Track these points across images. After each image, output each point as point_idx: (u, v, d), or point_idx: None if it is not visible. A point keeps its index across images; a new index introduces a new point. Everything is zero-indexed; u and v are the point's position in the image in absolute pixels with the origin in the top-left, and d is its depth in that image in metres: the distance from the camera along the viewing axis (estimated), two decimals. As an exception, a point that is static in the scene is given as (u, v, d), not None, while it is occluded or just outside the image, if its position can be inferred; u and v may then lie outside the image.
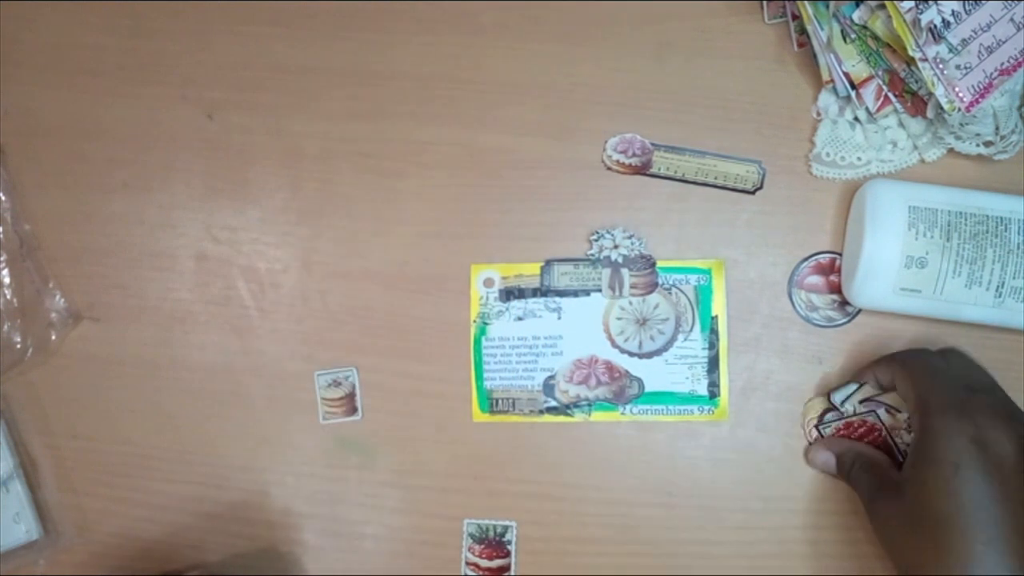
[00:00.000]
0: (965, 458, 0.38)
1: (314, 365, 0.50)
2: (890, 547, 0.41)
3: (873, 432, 0.47)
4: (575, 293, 0.49)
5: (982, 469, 0.37)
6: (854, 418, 0.47)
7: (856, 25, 0.46)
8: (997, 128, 0.45)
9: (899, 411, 0.46)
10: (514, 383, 0.49)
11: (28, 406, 0.51)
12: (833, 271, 0.48)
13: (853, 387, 0.47)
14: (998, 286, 0.44)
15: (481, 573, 0.49)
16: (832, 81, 0.47)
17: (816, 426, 0.48)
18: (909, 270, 0.44)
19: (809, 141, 0.49)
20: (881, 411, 0.46)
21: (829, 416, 0.47)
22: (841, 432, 0.47)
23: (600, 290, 0.49)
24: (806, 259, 0.48)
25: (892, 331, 0.48)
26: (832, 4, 0.46)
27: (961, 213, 0.44)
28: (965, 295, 0.44)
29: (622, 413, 0.49)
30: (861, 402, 0.47)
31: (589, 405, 0.49)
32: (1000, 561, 0.36)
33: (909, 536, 0.39)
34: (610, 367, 0.49)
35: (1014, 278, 0.44)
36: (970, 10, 0.43)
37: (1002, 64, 0.43)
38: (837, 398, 0.47)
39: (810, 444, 0.48)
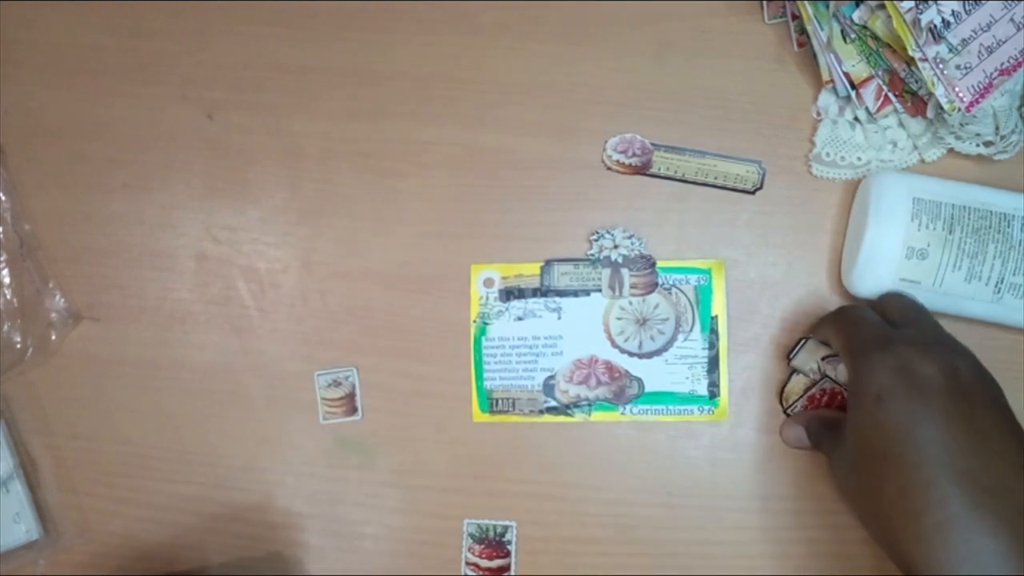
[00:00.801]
0: (887, 388, 0.37)
1: (314, 365, 0.50)
2: (844, 495, 0.41)
3: (836, 397, 0.48)
4: (575, 293, 0.49)
5: (905, 395, 0.36)
6: (814, 389, 0.48)
7: (856, 25, 0.46)
8: (997, 128, 0.45)
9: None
10: (514, 383, 0.49)
11: (28, 406, 0.51)
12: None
13: (800, 343, 0.48)
14: (998, 282, 0.44)
15: (481, 573, 0.49)
16: (832, 81, 0.47)
17: (785, 411, 0.48)
18: (910, 261, 0.44)
19: (809, 141, 0.49)
20: (835, 372, 0.47)
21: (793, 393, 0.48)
22: (807, 406, 0.48)
23: (600, 290, 0.49)
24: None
25: (892, 331, 0.48)
26: (832, 4, 0.46)
27: (965, 207, 0.44)
28: (964, 289, 0.44)
29: (622, 413, 0.49)
30: (823, 359, 0.47)
31: (589, 405, 0.49)
32: (937, 482, 0.34)
33: (853, 478, 0.39)
34: (610, 367, 0.49)
35: (1014, 274, 0.44)
36: (970, 10, 0.43)
37: (1002, 64, 0.43)
38: (796, 362, 0.48)
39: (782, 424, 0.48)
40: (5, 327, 0.50)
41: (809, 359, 0.47)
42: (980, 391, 0.37)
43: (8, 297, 0.51)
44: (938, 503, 0.34)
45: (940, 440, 0.35)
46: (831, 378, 0.47)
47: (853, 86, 0.47)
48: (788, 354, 0.48)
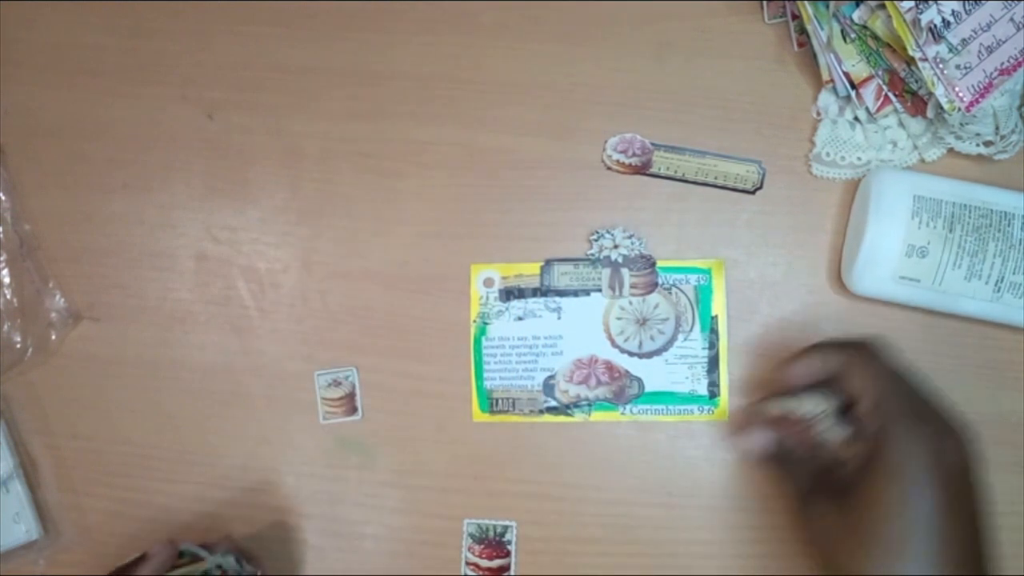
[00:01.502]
0: (923, 471, 0.36)
1: (314, 365, 0.50)
2: (821, 544, 0.39)
3: (807, 430, 0.42)
4: (575, 293, 0.49)
5: (935, 483, 0.36)
6: (799, 409, 0.43)
7: (856, 25, 0.46)
8: (997, 128, 0.45)
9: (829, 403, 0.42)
10: (514, 383, 0.49)
11: (28, 406, 0.51)
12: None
13: (818, 401, 0.42)
14: (997, 280, 0.44)
15: (481, 573, 0.49)
16: (832, 81, 0.47)
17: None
18: (910, 259, 0.44)
19: (809, 141, 0.49)
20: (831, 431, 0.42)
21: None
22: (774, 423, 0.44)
23: (600, 290, 0.49)
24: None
25: (891, 328, 0.48)
26: (832, 4, 0.46)
27: (965, 205, 0.44)
28: (964, 287, 0.44)
29: (622, 413, 0.49)
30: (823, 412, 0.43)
31: (589, 405, 0.49)
32: (923, 568, 0.36)
33: (846, 539, 0.37)
34: (610, 367, 0.49)
35: (1014, 273, 0.44)
36: (970, 10, 0.43)
37: (1002, 64, 0.43)
38: (799, 408, 0.43)
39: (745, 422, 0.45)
40: (5, 327, 0.50)
41: (814, 408, 0.42)
42: (974, 481, 0.39)
43: (8, 297, 0.51)
44: None
45: (948, 532, 0.36)
46: (824, 437, 0.41)
47: (853, 86, 0.47)
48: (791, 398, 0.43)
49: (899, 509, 0.36)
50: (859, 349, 0.41)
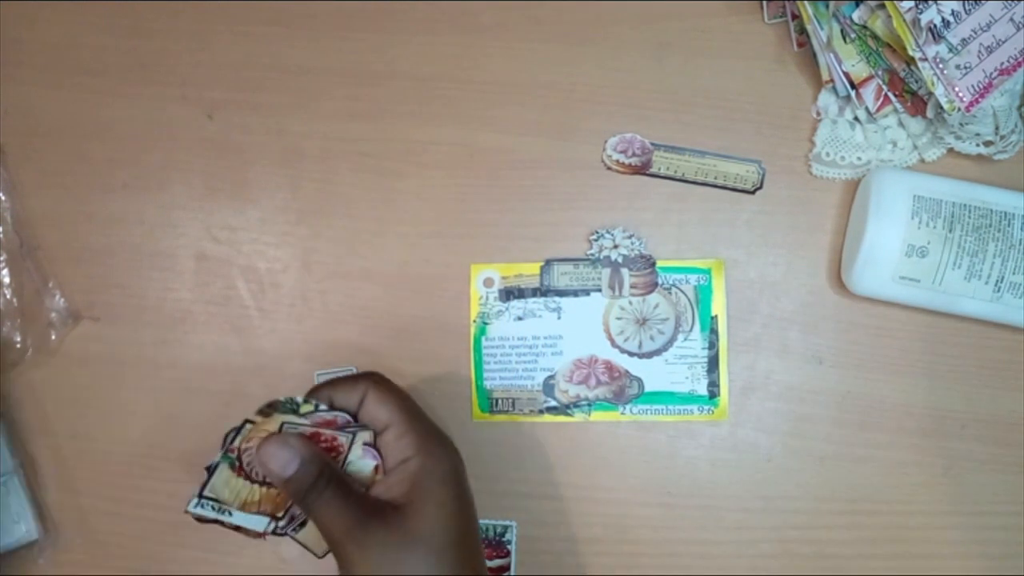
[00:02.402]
0: (452, 481, 0.40)
1: (314, 365, 0.50)
2: (375, 568, 0.37)
3: (334, 452, 0.40)
4: (575, 293, 0.49)
5: (458, 489, 0.40)
6: (329, 432, 0.40)
7: (856, 25, 0.46)
8: (997, 128, 0.45)
9: (355, 433, 0.41)
10: (514, 383, 0.49)
11: (28, 406, 0.51)
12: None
13: (305, 414, 0.41)
14: (997, 280, 0.44)
15: None
16: (832, 81, 0.47)
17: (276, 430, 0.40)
18: (909, 259, 0.44)
19: (809, 141, 0.49)
20: (350, 436, 0.41)
21: (289, 421, 0.41)
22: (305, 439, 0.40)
23: (600, 290, 0.49)
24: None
25: (891, 328, 0.48)
26: (832, 4, 0.46)
27: (965, 205, 0.44)
28: (964, 287, 0.44)
29: (622, 413, 0.49)
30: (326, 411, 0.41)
31: (589, 405, 0.49)
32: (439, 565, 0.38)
33: (404, 554, 0.37)
34: (610, 367, 0.49)
35: (1014, 273, 0.44)
36: (970, 10, 0.43)
37: (1002, 64, 0.43)
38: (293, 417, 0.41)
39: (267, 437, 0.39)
40: (5, 327, 0.50)
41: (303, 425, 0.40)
42: None
43: (8, 297, 0.51)
44: None
45: (463, 533, 0.41)
46: (344, 442, 0.40)
47: (853, 86, 0.47)
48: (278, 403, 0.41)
49: (447, 515, 0.39)
50: (368, 381, 0.42)
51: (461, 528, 0.39)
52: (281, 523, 0.39)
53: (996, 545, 0.48)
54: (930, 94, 0.45)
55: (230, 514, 0.39)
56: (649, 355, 0.49)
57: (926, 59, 0.43)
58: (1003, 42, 0.43)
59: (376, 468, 0.41)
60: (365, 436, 0.41)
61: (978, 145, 0.46)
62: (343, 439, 0.40)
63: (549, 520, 0.49)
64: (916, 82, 0.46)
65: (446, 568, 0.38)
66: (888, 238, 0.44)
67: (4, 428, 0.50)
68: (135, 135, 0.52)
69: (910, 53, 0.43)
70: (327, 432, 0.40)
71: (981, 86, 0.43)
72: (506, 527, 0.49)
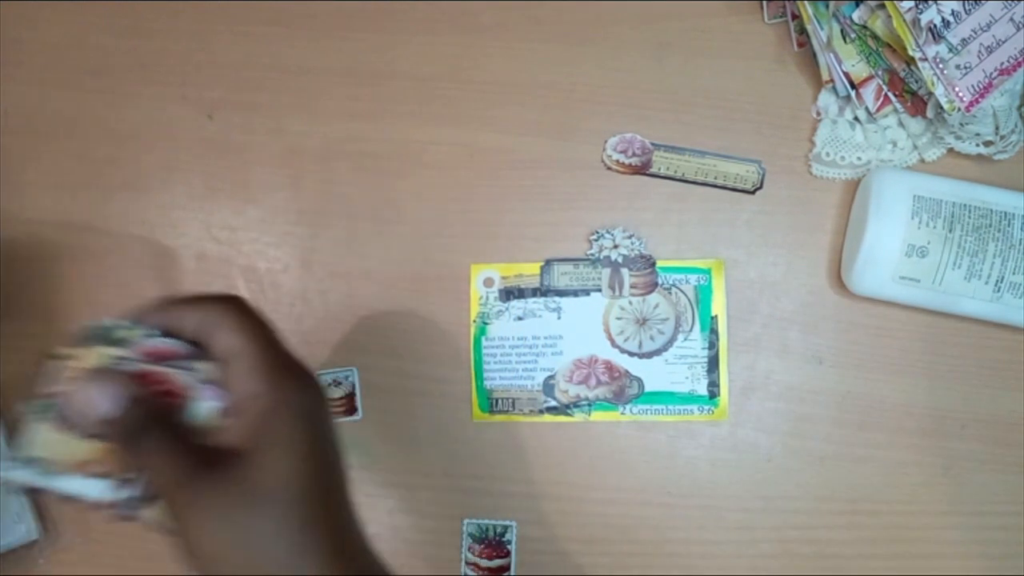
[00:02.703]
0: (313, 420, 0.33)
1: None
2: (216, 531, 0.31)
3: (174, 396, 0.33)
4: (575, 293, 0.49)
5: (317, 437, 0.33)
6: (161, 368, 0.33)
7: (856, 25, 0.46)
8: (997, 128, 0.45)
9: (196, 369, 0.34)
10: (514, 383, 0.49)
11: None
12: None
13: (127, 325, 0.34)
14: (997, 280, 0.44)
15: (481, 573, 0.49)
16: (832, 81, 0.47)
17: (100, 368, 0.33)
18: (910, 259, 0.44)
19: (809, 141, 0.49)
20: (189, 372, 0.33)
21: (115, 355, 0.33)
22: (132, 379, 0.33)
23: (600, 290, 0.49)
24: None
25: (891, 328, 0.48)
26: (832, 4, 0.46)
27: (965, 205, 0.44)
28: (964, 287, 0.44)
29: (622, 413, 0.49)
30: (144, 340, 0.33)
31: (589, 405, 0.49)
32: (292, 522, 0.31)
33: (242, 521, 0.31)
34: (610, 367, 0.49)
35: (1014, 273, 0.44)
36: (970, 10, 0.43)
37: (1002, 64, 0.43)
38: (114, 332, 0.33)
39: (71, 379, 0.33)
40: (5, 327, 0.50)
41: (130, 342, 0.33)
42: None
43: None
44: None
45: (316, 479, 0.34)
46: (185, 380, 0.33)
47: (853, 86, 0.47)
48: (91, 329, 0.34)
49: (299, 461, 0.32)
50: (224, 304, 0.34)
51: (318, 478, 0.32)
52: (129, 490, 0.31)
53: (996, 545, 0.48)
54: (930, 94, 0.45)
55: (57, 478, 0.31)
56: (649, 355, 0.49)
57: (926, 59, 0.43)
58: (1003, 42, 0.43)
59: (223, 411, 0.33)
60: (207, 372, 0.33)
61: (978, 145, 0.46)
62: (181, 376, 0.33)
63: (549, 520, 0.49)
64: (916, 82, 0.46)
65: (295, 528, 0.31)
66: (888, 238, 0.44)
67: (4, 428, 0.50)
68: (135, 135, 0.52)
69: (910, 53, 0.43)
70: (158, 368, 0.33)
71: (981, 86, 0.43)
72: (506, 527, 0.49)
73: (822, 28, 0.46)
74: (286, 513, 0.31)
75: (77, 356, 0.33)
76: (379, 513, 0.50)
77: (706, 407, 0.49)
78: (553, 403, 0.49)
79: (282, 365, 0.33)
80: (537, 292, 0.50)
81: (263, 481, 0.31)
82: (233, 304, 0.34)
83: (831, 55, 0.47)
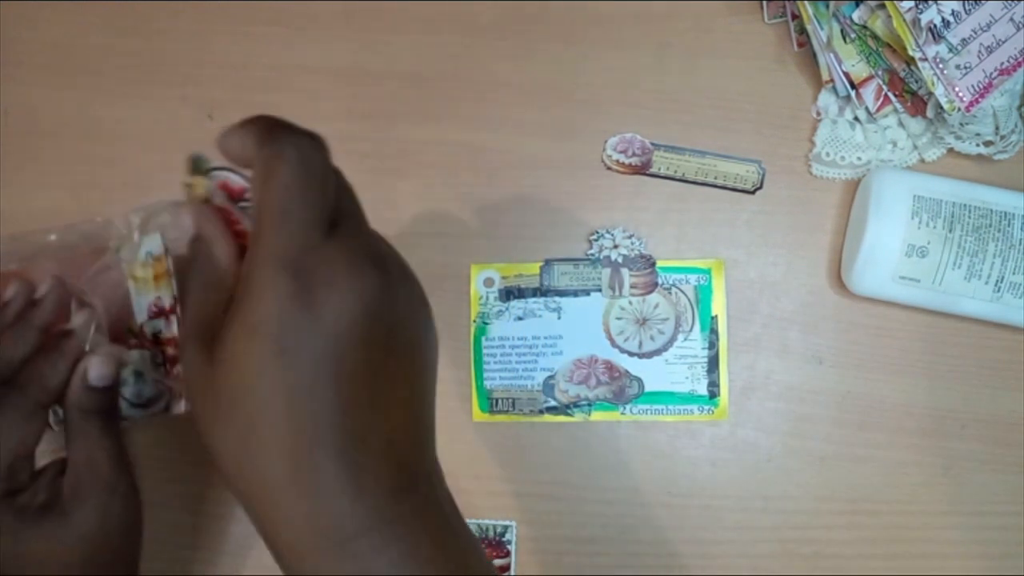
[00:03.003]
0: (294, 332, 0.26)
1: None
2: (192, 402, 0.29)
3: (242, 237, 0.31)
4: (575, 293, 0.49)
5: (291, 349, 0.26)
6: (231, 207, 0.32)
7: (856, 25, 0.46)
8: (997, 128, 0.45)
9: None
10: (514, 383, 0.49)
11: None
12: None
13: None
14: (997, 280, 0.44)
15: None
16: (832, 81, 0.47)
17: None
18: (910, 259, 0.44)
19: (809, 141, 0.49)
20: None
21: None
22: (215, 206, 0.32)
23: (600, 290, 0.49)
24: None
25: (891, 328, 0.48)
26: (832, 4, 0.46)
27: (965, 205, 0.44)
28: (964, 287, 0.44)
29: (622, 413, 0.49)
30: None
31: (589, 405, 0.49)
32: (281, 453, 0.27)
33: (206, 399, 0.28)
34: (610, 367, 0.49)
35: (1014, 273, 0.44)
36: (970, 10, 0.43)
37: (1002, 64, 0.43)
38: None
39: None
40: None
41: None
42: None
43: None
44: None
45: (320, 410, 0.27)
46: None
47: (853, 86, 0.47)
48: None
49: (255, 377, 0.27)
50: (278, 145, 0.30)
51: (262, 400, 0.27)
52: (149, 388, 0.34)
53: (996, 545, 0.48)
54: (930, 94, 0.45)
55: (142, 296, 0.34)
56: (649, 355, 0.49)
57: (926, 59, 0.43)
58: (1003, 42, 0.43)
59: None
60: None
61: (978, 145, 0.46)
62: (245, 220, 0.31)
63: (549, 520, 0.49)
64: (916, 82, 0.46)
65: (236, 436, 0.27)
66: (888, 238, 0.44)
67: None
68: (135, 135, 0.52)
69: (910, 53, 0.43)
70: (229, 207, 0.31)
71: (981, 86, 0.43)
72: (506, 527, 0.49)
73: (822, 28, 0.46)
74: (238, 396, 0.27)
75: (193, 184, 0.34)
76: (379, 513, 0.50)
77: (706, 407, 0.49)
78: (553, 403, 0.49)
79: (296, 249, 0.27)
80: (537, 292, 0.50)
81: (225, 363, 0.27)
82: (285, 148, 0.29)
83: (831, 55, 0.47)
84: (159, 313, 0.38)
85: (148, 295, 0.38)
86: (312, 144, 0.31)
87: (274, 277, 0.27)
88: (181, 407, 0.39)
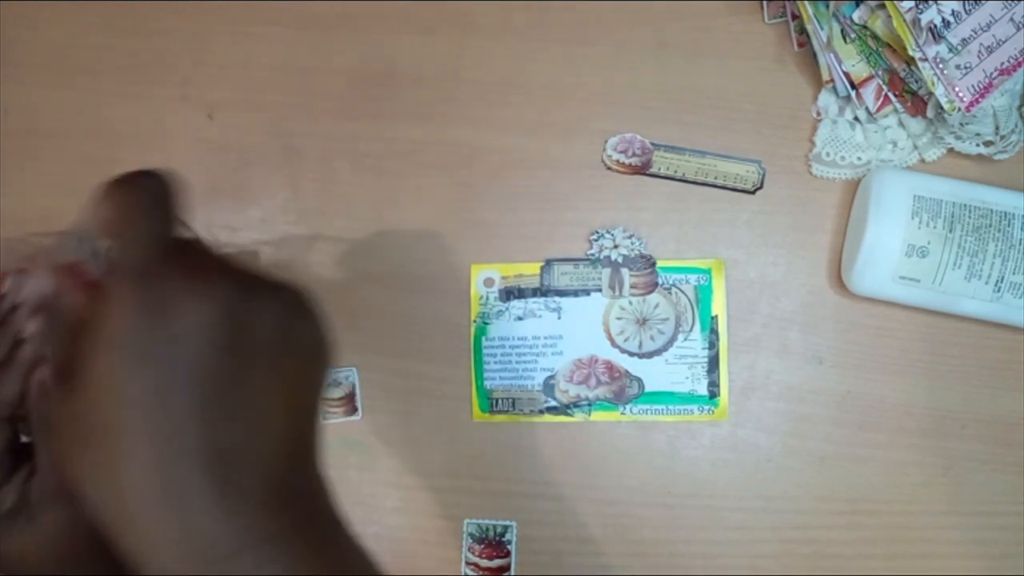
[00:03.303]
0: (127, 339, 0.26)
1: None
2: (66, 461, 0.28)
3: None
4: (575, 293, 0.49)
5: (144, 355, 0.26)
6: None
7: (856, 25, 0.46)
8: (997, 128, 0.45)
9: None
10: (514, 383, 0.49)
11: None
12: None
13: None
14: (997, 280, 0.44)
15: (481, 573, 0.49)
16: (832, 81, 0.47)
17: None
18: (910, 259, 0.44)
19: (809, 141, 0.49)
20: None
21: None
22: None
23: (600, 290, 0.49)
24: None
25: (891, 328, 0.48)
26: (832, 4, 0.46)
27: (965, 205, 0.44)
28: (964, 287, 0.44)
29: (622, 413, 0.49)
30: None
31: (589, 405, 0.49)
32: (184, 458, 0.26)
33: (68, 428, 0.27)
34: (610, 367, 0.49)
35: (1014, 273, 0.44)
36: (970, 10, 0.43)
37: (1002, 64, 0.43)
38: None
39: None
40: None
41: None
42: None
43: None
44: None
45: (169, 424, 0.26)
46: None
47: (853, 86, 0.47)
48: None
49: (114, 389, 0.26)
50: (114, 183, 0.31)
51: (123, 415, 0.26)
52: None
53: (996, 545, 0.48)
54: (930, 94, 0.45)
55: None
56: (649, 355, 0.49)
57: (926, 59, 0.43)
58: (1003, 42, 0.43)
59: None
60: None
61: (978, 145, 0.46)
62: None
63: (549, 520, 0.49)
64: (916, 82, 0.46)
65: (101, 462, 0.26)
66: (888, 238, 0.44)
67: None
68: (135, 135, 0.52)
69: (910, 53, 0.43)
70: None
71: (981, 86, 0.43)
72: (506, 527, 0.49)
73: (822, 28, 0.46)
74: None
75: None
76: (379, 513, 0.50)
77: (706, 407, 0.49)
78: (553, 403, 0.49)
79: (125, 258, 0.28)
80: (537, 292, 0.50)
81: (84, 383, 0.26)
82: (114, 184, 0.30)
83: (831, 55, 0.47)
84: None
85: None
86: (145, 173, 0.32)
87: (122, 289, 0.27)
88: None
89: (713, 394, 0.49)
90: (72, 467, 0.27)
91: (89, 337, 0.27)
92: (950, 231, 0.44)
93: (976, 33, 0.43)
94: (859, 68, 0.47)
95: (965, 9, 0.43)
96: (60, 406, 0.27)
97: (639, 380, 0.49)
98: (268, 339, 0.28)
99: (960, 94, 0.43)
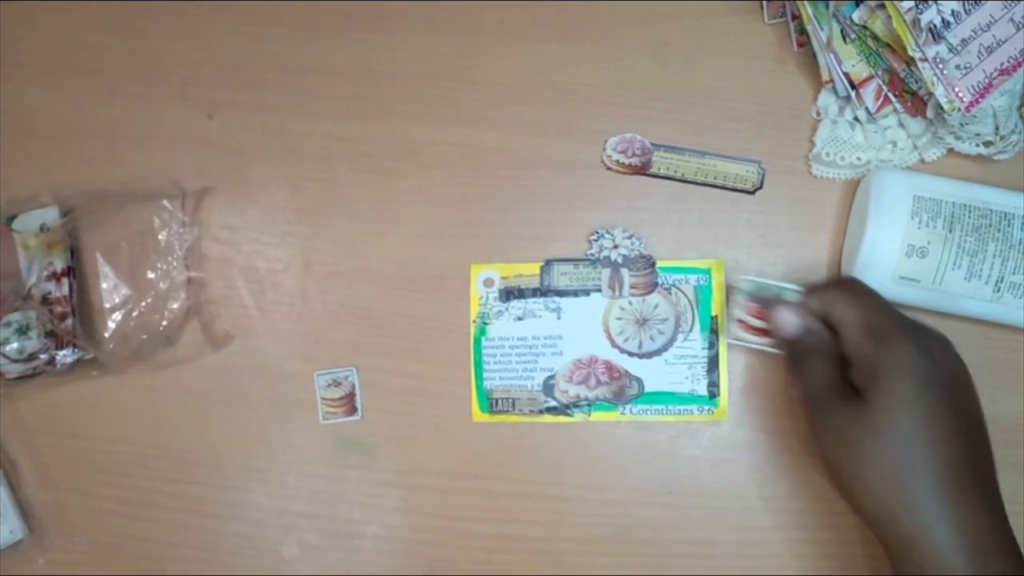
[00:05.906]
0: (921, 374, 0.39)
1: (314, 365, 0.50)
2: (831, 449, 0.41)
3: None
4: (575, 293, 0.49)
5: (934, 384, 0.39)
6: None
7: (856, 25, 0.46)
8: (997, 128, 0.45)
9: None
10: (514, 383, 0.49)
11: (28, 407, 0.51)
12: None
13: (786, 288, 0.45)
14: (997, 281, 0.44)
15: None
16: (832, 81, 0.47)
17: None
18: (909, 259, 0.44)
19: (809, 141, 0.49)
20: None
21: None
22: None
23: (600, 290, 0.49)
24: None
25: (892, 331, 0.48)
26: (832, 4, 0.46)
27: (965, 206, 0.44)
28: (963, 288, 0.44)
29: (622, 413, 0.49)
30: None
31: (589, 405, 0.49)
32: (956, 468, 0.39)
33: (869, 443, 0.39)
34: (610, 367, 0.49)
35: (1014, 273, 0.44)
36: (970, 10, 0.43)
37: (1002, 64, 0.43)
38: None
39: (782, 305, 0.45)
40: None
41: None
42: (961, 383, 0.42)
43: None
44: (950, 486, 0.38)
45: (952, 445, 0.39)
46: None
47: (853, 86, 0.47)
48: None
49: (916, 408, 0.38)
50: (838, 285, 0.44)
51: (930, 427, 0.38)
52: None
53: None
54: (930, 94, 0.45)
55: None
56: (649, 355, 0.49)
57: (926, 59, 0.43)
58: (1003, 42, 0.43)
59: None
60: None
61: (978, 145, 0.46)
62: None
63: (549, 520, 0.49)
64: (916, 82, 0.46)
65: (899, 464, 0.38)
66: (888, 238, 0.44)
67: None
68: (135, 135, 0.52)
69: (910, 53, 0.43)
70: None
71: (981, 86, 0.43)
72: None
73: (822, 28, 0.46)
74: (890, 447, 0.38)
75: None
76: (379, 513, 0.50)
77: (706, 407, 0.49)
78: (553, 403, 0.49)
79: (891, 331, 0.40)
80: (537, 292, 0.50)
81: (872, 416, 0.39)
82: (844, 284, 0.44)
83: (831, 55, 0.47)
84: (52, 276, 0.48)
85: (41, 261, 0.48)
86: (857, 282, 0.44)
87: (899, 336, 0.40)
88: (67, 358, 0.48)
89: (713, 394, 0.49)
90: (853, 459, 0.40)
91: (885, 361, 0.39)
92: (950, 231, 0.44)
93: (976, 33, 0.43)
94: (859, 68, 0.47)
95: (965, 9, 0.43)
96: (837, 412, 0.41)
97: (639, 380, 0.49)
98: (956, 370, 0.41)
99: (960, 94, 0.43)
